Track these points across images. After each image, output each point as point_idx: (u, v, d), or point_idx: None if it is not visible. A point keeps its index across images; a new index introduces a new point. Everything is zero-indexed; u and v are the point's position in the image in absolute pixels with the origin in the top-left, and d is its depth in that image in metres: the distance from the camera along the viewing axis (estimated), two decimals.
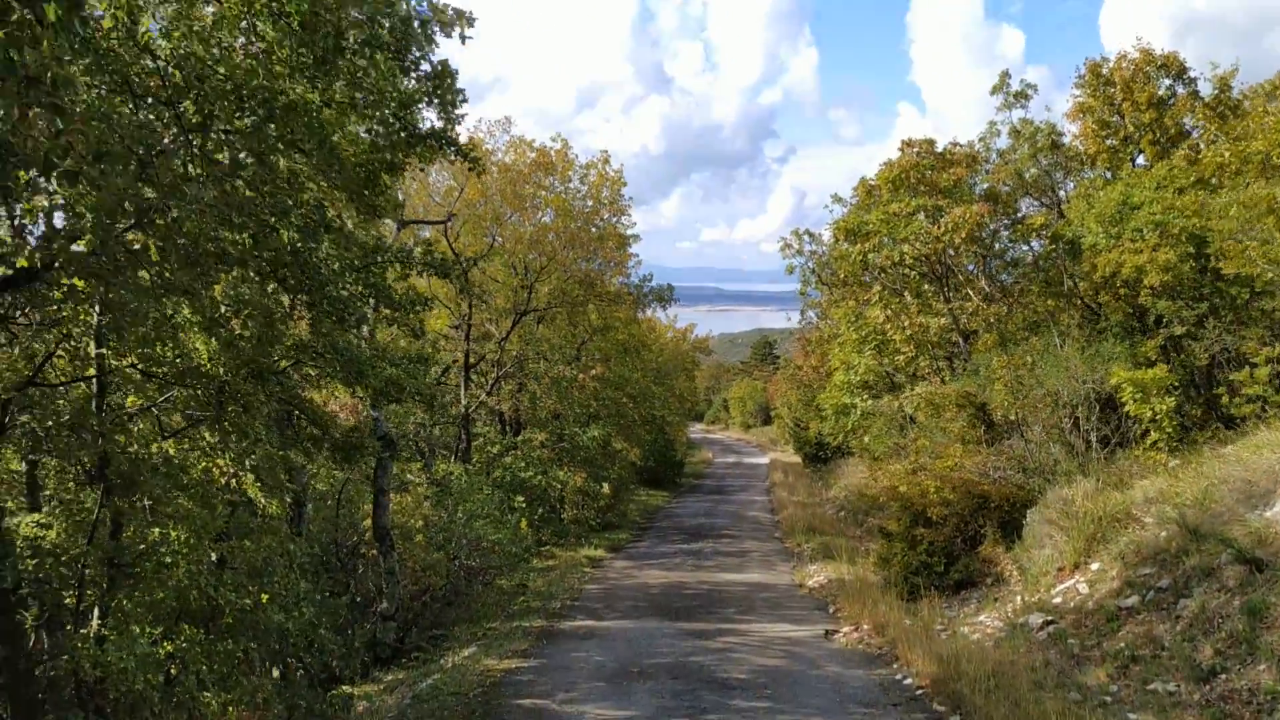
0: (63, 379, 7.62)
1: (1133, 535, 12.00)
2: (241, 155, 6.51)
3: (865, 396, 25.87)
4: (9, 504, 7.75)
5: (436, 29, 7.58)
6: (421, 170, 23.11)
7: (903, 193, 22.78)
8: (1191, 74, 25.13)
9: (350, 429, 11.08)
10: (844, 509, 28.39)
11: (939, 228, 20.74)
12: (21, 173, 4.74)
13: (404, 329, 11.83)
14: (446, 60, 8.44)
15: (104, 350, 7.28)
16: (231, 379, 7.95)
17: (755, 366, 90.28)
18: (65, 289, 6.12)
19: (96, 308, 6.90)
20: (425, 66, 8.11)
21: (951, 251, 21.63)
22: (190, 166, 6.17)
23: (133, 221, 5.57)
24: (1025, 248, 24.06)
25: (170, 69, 6.26)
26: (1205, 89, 24.83)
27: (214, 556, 8.68)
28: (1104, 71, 25.50)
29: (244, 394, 8.00)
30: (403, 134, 8.62)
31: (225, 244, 6.63)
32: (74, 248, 5.39)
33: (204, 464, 8.65)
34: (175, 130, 6.25)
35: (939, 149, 24.01)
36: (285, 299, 9.19)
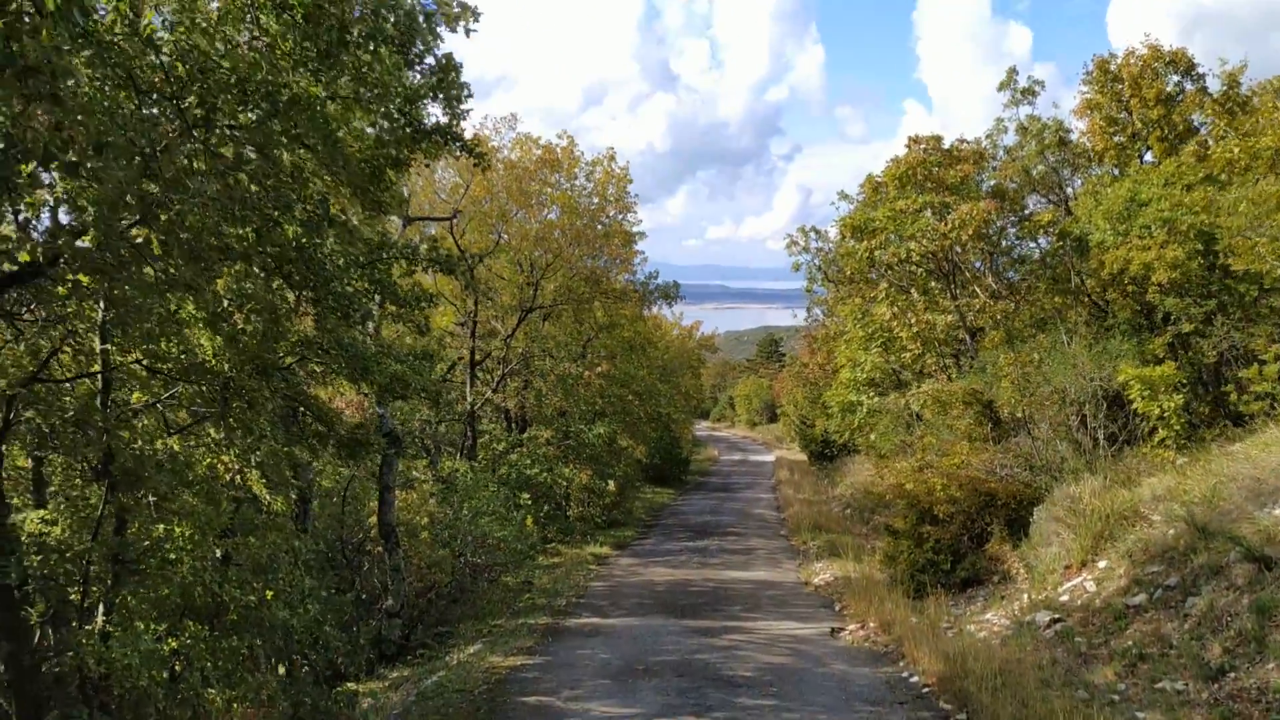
0: (68, 375, 7.60)
1: (1140, 533, 11.94)
2: (245, 150, 6.49)
3: (871, 394, 25.82)
4: (14, 500, 7.74)
5: (441, 22, 7.56)
6: (427, 167, 23.11)
7: (909, 189, 22.71)
8: (1200, 70, 24.93)
9: (355, 425, 11.05)
10: (850, 506, 28.36)
11: (946, 224, 20.66)
12: (24, 166, 4.73)
13: (409, 325, 11.82)
14: (451, 54, 8.42)
15: (109, 346, 7.26)
16: (236, 375, 7.93)
17: (761, 364, 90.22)
18: (70, 284, 6.10)
19: (101, 303, 6.88)
20: (430, 60, 8.09)
21: (958, 248, 21.57)
22: (194, 161, 6.15)
23: (137, 216, 5.55)
24: (1032, 245, 23.97)
25: (174, 63, 6.24)
26: (1214, 85, 24.57)
27: (219, 553, 8.66)
28: (1112, 68, 25.33)
29: (249, 390, 7.97)
30: (408, 129, 8.61)
31: (229, 239, 6.61)
32: (78, 243, 5.37)
33: (209, 460, 8.63)
34: (179, 124, 6.22)
35: (946, 146, 23.90)
36: (290, 295, 9.16)
